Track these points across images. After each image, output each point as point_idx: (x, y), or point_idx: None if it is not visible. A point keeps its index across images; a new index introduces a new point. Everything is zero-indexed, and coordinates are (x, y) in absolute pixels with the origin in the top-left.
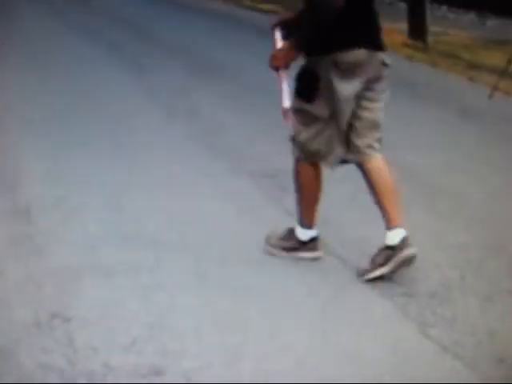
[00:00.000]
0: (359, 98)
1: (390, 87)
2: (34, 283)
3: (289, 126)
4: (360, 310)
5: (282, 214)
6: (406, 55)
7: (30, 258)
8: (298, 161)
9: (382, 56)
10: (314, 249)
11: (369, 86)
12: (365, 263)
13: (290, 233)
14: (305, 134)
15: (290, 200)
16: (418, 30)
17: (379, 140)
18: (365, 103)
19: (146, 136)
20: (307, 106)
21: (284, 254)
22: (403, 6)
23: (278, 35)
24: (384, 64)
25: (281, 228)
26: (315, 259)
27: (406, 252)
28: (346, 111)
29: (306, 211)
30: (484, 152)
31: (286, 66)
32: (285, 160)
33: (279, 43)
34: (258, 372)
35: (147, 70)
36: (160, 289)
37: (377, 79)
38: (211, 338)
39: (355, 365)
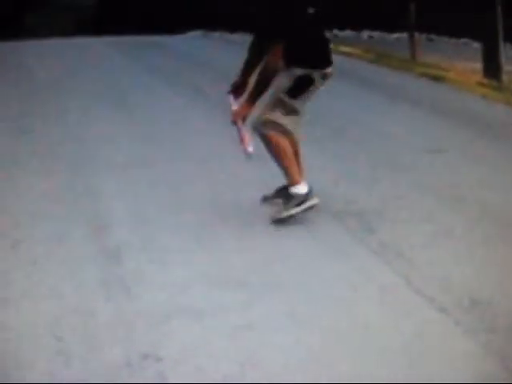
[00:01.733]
0: None
1: (466, 126)
2: (125, 324)
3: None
4: (444, 346)
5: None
6: (481, 94)
7: (120, 298)
8: (271, 136)
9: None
10: (312, 198)
11: None
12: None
13: (288, 196)
14: (282, 120)
15: (377, 240)
16: (492, 70)
17: None
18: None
19: (235, 176)
20: (291, 101)
21: (297, 209)
22: (478, 46)
23: (231, 99)
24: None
25: None
26: (314, 206)
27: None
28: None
29: (294, 168)
30: None
31: (244, 119)
32: (370, 200)
33: (234, 104)
34: None
35: None
36: (250, 328)
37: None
38: (300, 376)
39: None
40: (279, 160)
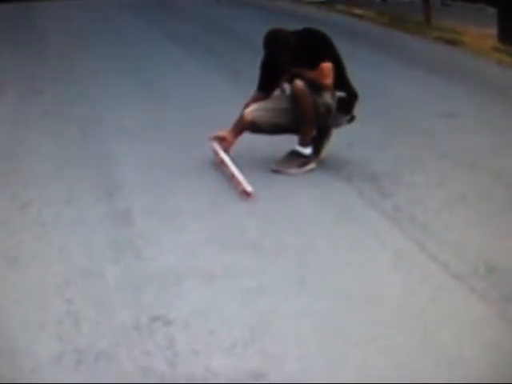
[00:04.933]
0: None
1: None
2: (134, 286)
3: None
4: (459, 313)
5: (381, 217)
6: (496, 59)
7: (130, 261)
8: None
9: None
10: (314, 160)
11: None
12: None
13: (294, 154)
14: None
15: (390, 204)
16: (507, 35)
17: None
18: None
19: (247, 138)
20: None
21: (297, 169)
22: (492, 11)
23: (217, 147)
24: None
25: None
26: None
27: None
28: None
29: (311, 131)
30: None
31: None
32: (384, 164)
33: (221, 152)
34: (358, 376)
35: None
36: (261, 292)
37: None
38: (312, 342)
39: (455, 367)
40: (308, 116)
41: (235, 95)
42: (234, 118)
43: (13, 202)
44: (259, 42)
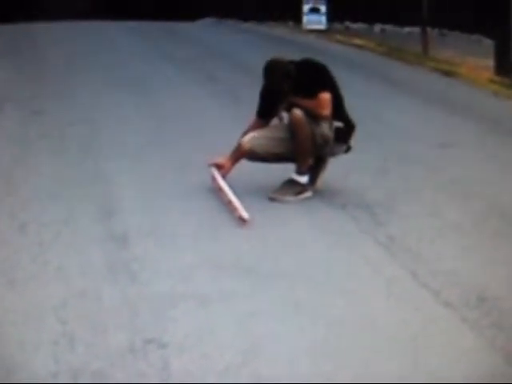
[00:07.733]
0: None
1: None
2: (130, 309)
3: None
4: (450, 341)
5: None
6: (492, 91)
7: (126, 284)
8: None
9: None
10: (310, 189)
11: None
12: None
13: (291, 182)
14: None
15: (384, 233)
16: (504, 67)
17: None
18: None
19: (244, 163)
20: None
21: (294, 197)
22: (488, 42)
23: (215, 173)
24: None
25: None
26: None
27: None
28: None
29: (308, 160)
30: None
31: (224, 175)
32: (379, 193)
33: (219, 178)
34: None
35: None
36: (254, 316)
37: None
38: (304, 365)
39: None
40: (305, 146)
41: (234, 119)
42: (232, 141)
43: (11, 222)
44: (258, 68)
